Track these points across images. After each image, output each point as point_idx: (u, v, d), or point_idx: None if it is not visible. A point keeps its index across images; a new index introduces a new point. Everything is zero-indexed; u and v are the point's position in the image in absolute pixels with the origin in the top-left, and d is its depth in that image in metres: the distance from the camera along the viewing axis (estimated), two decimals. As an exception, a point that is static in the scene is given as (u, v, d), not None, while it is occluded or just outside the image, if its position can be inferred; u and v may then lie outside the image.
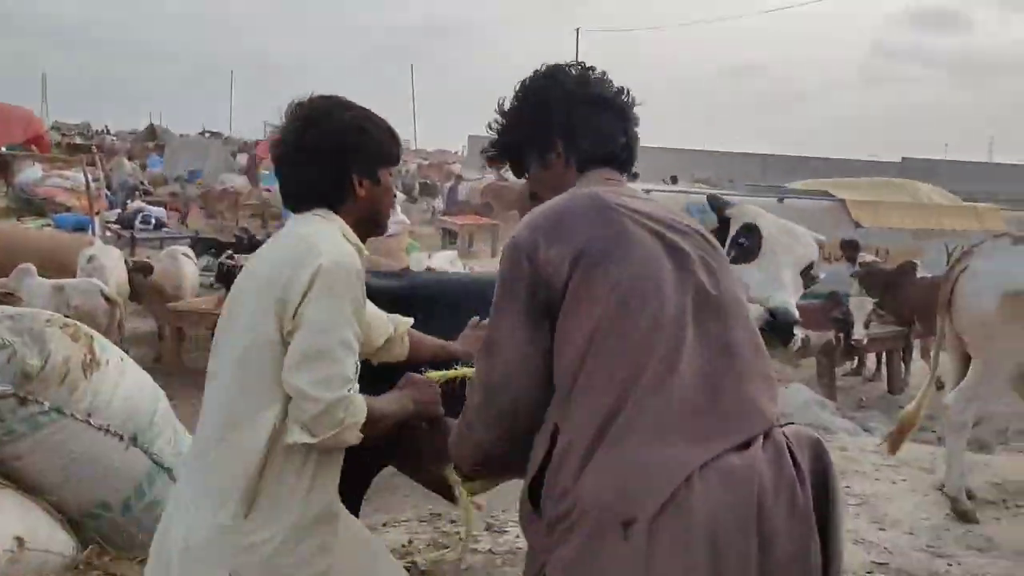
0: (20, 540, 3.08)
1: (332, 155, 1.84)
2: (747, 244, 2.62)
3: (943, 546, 3.93)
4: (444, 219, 17.87)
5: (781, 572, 1.33)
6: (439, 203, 21.05)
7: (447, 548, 3.72)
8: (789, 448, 1.40)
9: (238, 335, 1.76)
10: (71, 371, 3.29)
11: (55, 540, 3.28)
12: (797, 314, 2.43)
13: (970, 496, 4.50)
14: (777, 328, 2.39)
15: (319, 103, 1.90)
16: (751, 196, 13.61)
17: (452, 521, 4.06)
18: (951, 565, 3.73)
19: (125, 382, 3.50)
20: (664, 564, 1.29)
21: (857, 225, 11.77)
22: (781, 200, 12.48)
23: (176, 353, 7.29)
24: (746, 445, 1.36)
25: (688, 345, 1.40)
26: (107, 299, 6.25)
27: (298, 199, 1.90)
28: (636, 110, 1.81)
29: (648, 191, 10.49)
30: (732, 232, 2.68)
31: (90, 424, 3.32)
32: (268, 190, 18.47)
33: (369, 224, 1.94)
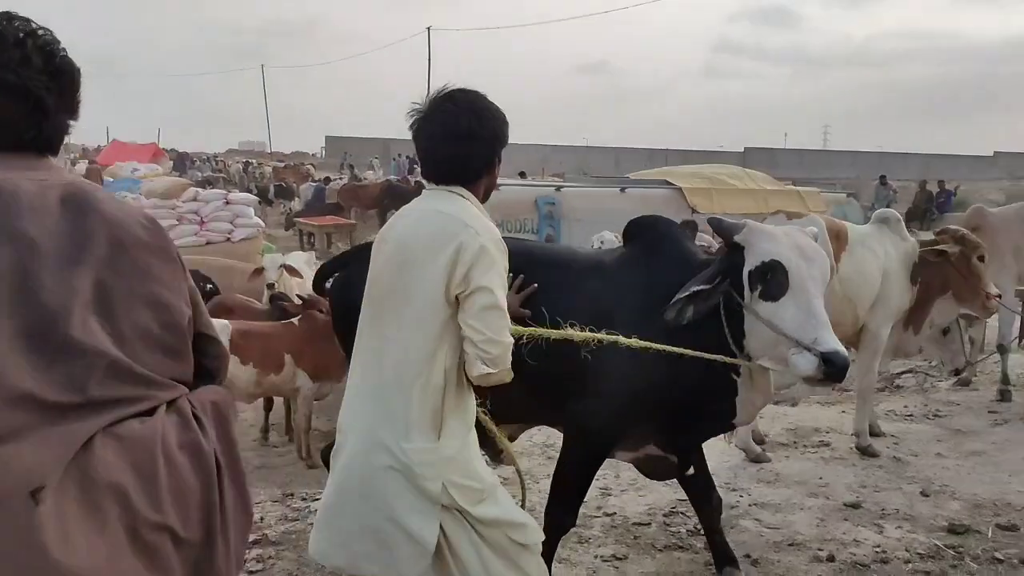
0: None
1: (494, 141, 2.24)
2: (772, 280, 2.59)
3: (738, 482, 4.53)
4: (301, 220, 17.81)
5: (189, 514, 1.53)
6: (296, 205, 20.90)
7: (296, 520, 4.00)
8: (194, 413, 1.61)
9: (412, 299, 2.11)
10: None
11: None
12: (848, 354, 2.45)
13: (764, 441, 5.16)
14: (833, 375, 2.42)
15: (473, 95, 2.23)
16: (597, 187, 14.34)
17: (303, 498, 4.33)
18: (742, 496, 4.33)
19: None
20: (76, 521, 1.38)
21: (694, 211, 12.62)
22: (623, 190, 13.20)
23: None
24: (151, 412, 1.53)
25: (58, 326, 1.46)
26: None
27: (450, 175, 2.23)
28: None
29: (497, 186, 10.98)
30: (749, 265, 2.65)
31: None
32: (114, 198, 17.81)
33: (488, 195, 2.33)
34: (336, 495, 2.21)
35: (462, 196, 2.22)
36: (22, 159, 1.60)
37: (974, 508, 4.22)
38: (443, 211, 2.17)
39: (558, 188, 12.89)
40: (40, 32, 1.62)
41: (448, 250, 2.07)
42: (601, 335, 2.62)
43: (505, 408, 2.63)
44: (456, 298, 2.09)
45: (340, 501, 2.20)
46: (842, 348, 2.43)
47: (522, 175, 18.39)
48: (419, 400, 2.09)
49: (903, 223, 5.22)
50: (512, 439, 3.22)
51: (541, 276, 2.76)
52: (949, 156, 50.70)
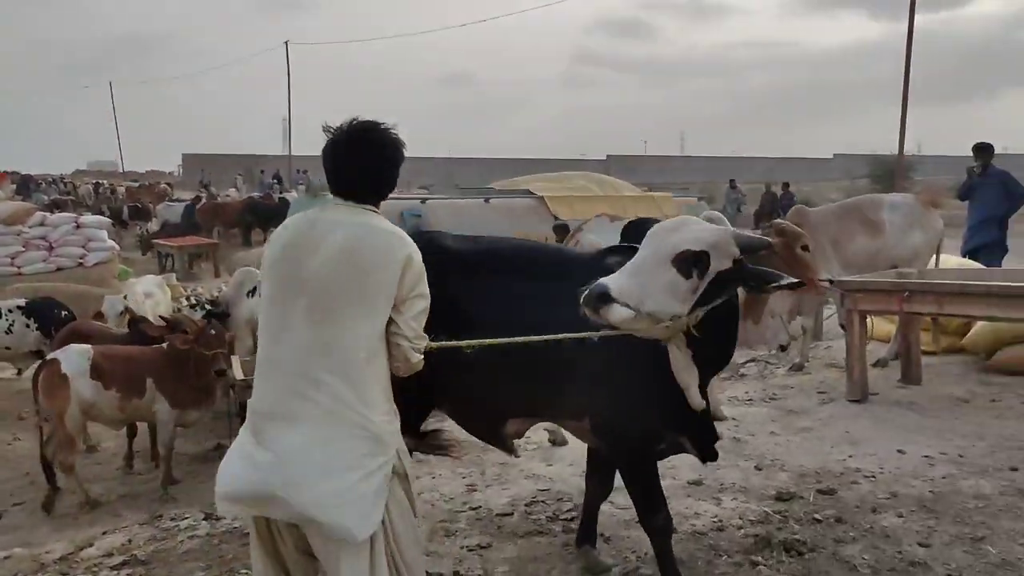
0: None
1: (400, 166, 2.59)
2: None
3: (594, 470, 4.86)
4: (160, 241, 17.24)
5: None
6: (153, 226, 20.19)
7: (166, 540, 4.03)
8: None
9: (367, 298, 2.40)
10: None
11: None
12: (609, 290, 2.73)
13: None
14: (586, 300, 2.74)
15: (387, 128, 2.57)
16: (462, 198, 14.62)
17: (172, 518, 4.36)
18: (597, 483, 4.66)
19: None
20: None
21: (556, 219, 13.08)
22: (487, 200, 13.53)
23: None
24: None
25: None
26: None
27: (368, 193, 2.55)
28: None
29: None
30: None
31: None
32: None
33: None
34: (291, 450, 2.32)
35: (376, 212, 2.55)
36: None
37: (799, 477, 4.72)
38: (377, 226, 2.49)
39: (423, 200, 13.08)
40: None
41: (398, 259, 2.43)
42: (498, 340, 2.89)
43: (516, 403, 3.26)
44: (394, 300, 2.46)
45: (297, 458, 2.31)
46: (608, 285, 2.76)
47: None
48: (376, 381, 2.43)
49: (727, 222, 5.73)
50: (520, 434, 3.53)
51: (540, 276, 3.22)
52: (794, 159, 54.09)
